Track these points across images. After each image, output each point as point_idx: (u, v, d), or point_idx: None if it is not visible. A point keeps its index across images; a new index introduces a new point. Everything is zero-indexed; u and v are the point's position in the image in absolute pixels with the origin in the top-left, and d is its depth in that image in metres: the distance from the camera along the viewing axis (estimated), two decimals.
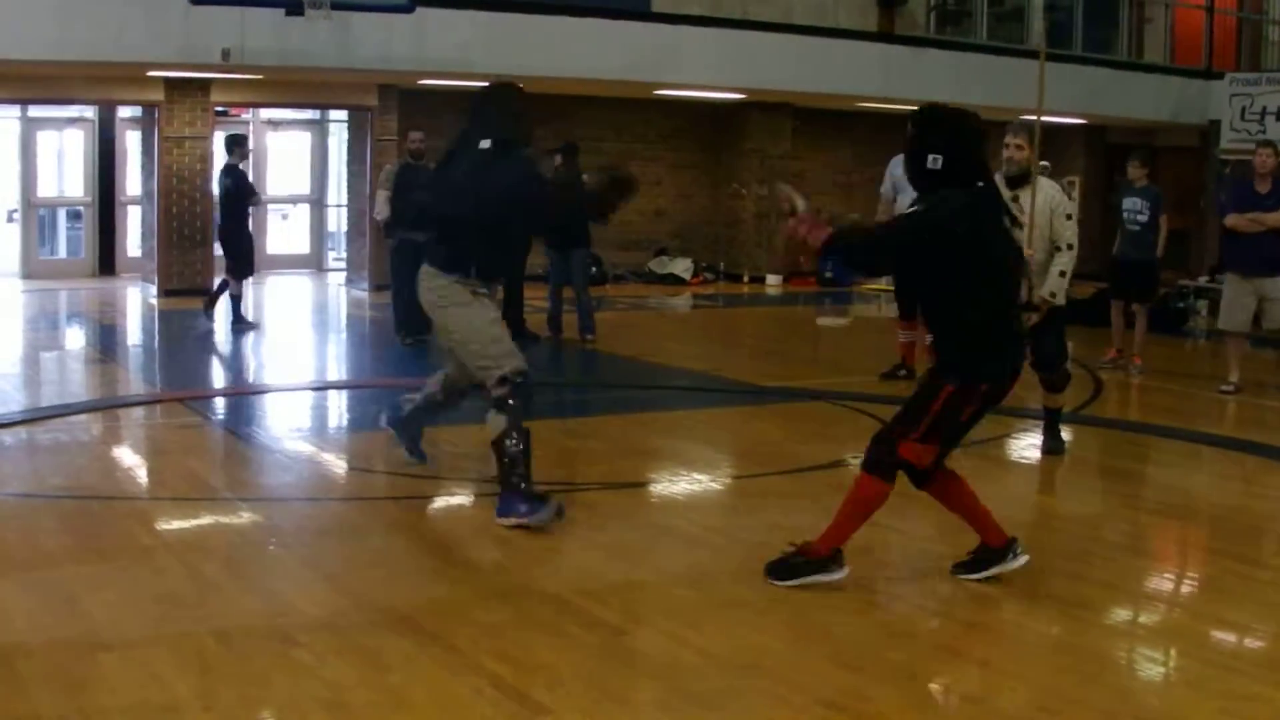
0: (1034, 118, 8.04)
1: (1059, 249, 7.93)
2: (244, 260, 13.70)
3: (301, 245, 21.29)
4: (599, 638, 4.85)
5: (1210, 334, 11.37)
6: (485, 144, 6.44)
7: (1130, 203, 12.00)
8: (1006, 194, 7.78)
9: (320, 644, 4.66)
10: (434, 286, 6.48)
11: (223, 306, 13.77)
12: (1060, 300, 7.98)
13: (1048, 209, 7.93)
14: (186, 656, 4.53)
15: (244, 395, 10.22)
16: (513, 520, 6.19)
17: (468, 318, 6.41)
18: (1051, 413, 8.44)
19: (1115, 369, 11.85)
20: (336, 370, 12.42)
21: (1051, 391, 8.28)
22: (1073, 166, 23.61)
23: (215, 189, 12.92)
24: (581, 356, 12.73)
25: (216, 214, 13.13)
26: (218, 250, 14.82)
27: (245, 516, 6.55)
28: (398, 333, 12.57)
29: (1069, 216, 8.01)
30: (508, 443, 6.23)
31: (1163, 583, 6.14)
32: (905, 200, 10.50)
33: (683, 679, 4.48)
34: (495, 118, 6.51)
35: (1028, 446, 8.59)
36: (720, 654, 4.71)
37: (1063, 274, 7.93)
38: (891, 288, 11.07)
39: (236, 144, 13.69)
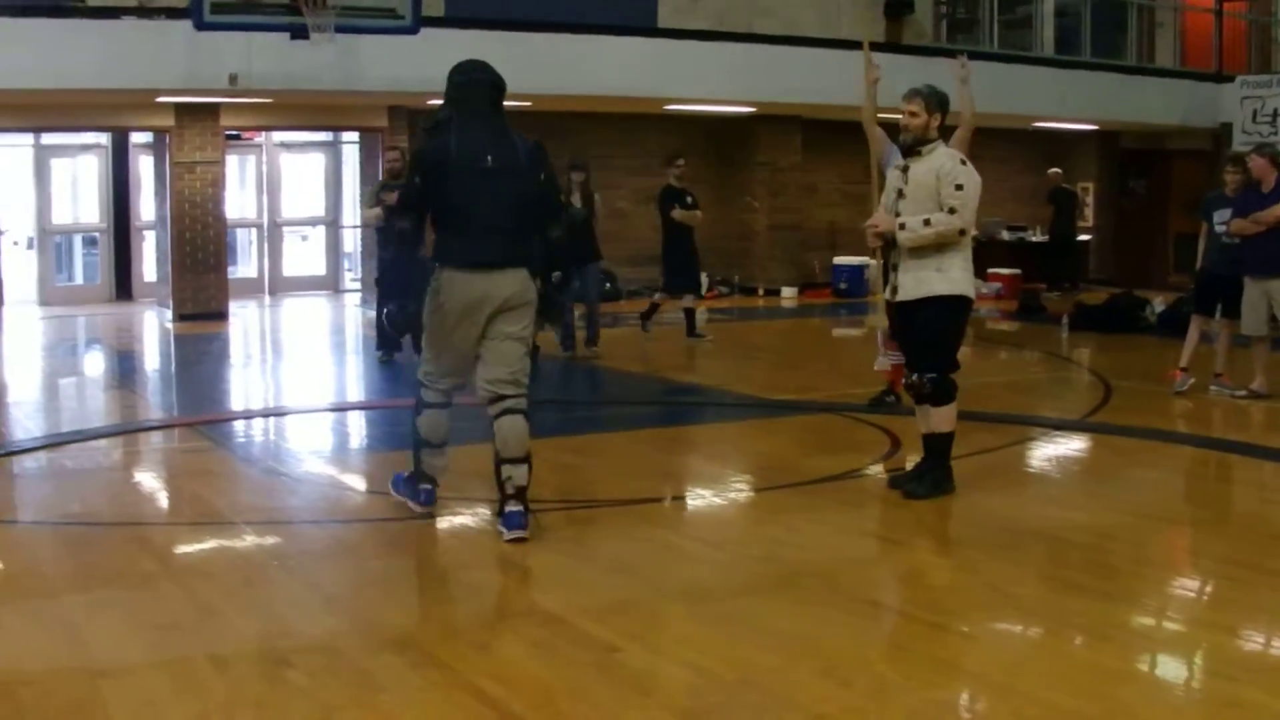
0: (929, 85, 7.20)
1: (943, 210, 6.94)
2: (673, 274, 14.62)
3: (318, 267, 21.44)
4: (593, 656, 4.85)
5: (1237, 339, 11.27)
6: None
7: (1225, 214, 10.95)
8: (898, 164, 7.36)
9: (315, 665, 4.69)
10: None
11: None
12: (914, 238, 6.94)
13: (933, 177, 7.01)
14: (183, 682, 4.56)
15: (256, 418, 10.28)
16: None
17: None
18: (933, 441, 7.24)
19: (1213, 391, 10.97)
20: (350, 391, 12.47)
21: (926, 402, 7.15)
22: (1086, 173, 23.66)
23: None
24: (589, 373, 12.75)
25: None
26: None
27: (249, 540, 6.60)
28: (378, 350, 12.75)
29: (959, 186, 6.92)
30: None
31: (1165, 593, 6.09)
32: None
33: (675, 696, 4.49)
34: None
35: (1034, 456, 8.55)
36: (713, 670, 4.70)
37: (927, 223, 6.89)
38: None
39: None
